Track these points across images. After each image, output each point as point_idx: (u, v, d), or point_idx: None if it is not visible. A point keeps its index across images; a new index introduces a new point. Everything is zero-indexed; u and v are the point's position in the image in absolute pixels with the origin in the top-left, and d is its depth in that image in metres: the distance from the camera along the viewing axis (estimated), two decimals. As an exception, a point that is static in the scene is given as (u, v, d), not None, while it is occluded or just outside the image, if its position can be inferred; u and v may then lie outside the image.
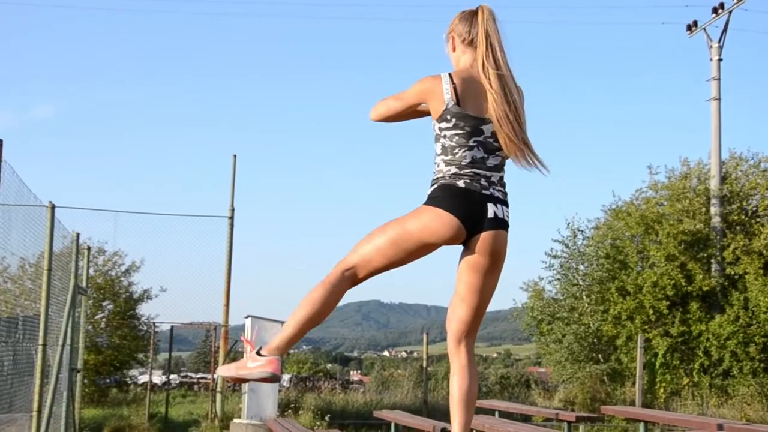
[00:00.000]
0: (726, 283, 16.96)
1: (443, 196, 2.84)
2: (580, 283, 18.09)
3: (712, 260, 17.32)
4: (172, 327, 13.54)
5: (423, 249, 2.86)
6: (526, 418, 11.07)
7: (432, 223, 2.82)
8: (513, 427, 6.54)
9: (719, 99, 18.41)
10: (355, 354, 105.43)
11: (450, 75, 2.90)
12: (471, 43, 2.99)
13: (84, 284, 10.62)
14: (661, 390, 16.09)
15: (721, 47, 18.59)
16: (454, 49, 3.06)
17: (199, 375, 27.39)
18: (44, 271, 7.79)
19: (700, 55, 19.17)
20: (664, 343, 16.28)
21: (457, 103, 2.85)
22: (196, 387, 23.33)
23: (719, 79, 18.50)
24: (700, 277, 16.62)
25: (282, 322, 11.95)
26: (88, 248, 11.81)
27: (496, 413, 9.14)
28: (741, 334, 15.76)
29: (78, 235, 9.62)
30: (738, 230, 17.38)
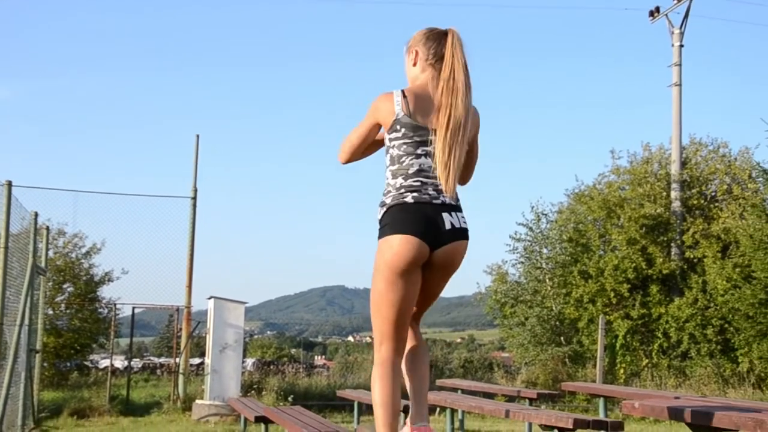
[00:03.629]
0: (685, 267, 17.25)
1: (394, 219, 2.84)
2: (544, 266, 18.25)
3: (672, 244, 17.60)
4: (133, 308, 13.39)
5: (405, 283, 2.86)
6: (488, 397, 11.16)
7: (394, 249, 2.82)
8: (475, 401, 6.59)
9: (680, 85, 18.65)
10: (320, 339, 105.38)
11: (402, 91, 2.95)
12: (432, 64, 3.01)
13: (43, 264, 10.45)
14: (621, 371, 16.34)
15: (682, 33, 18.81)
16: (414, 64, 3.07)
17: (162, 359, 27.10)
18: (0, 248, 7.65)
19: (662, 40, 19.43)
20: (625, 326, 16.52)
21: (408, 114, 2.90)
22: (158, 371, 23.10)
23: (680, 65, 18.74)
24: (660, 260, 16.89)
25: (245, 303, 11.92)
26: (47, 228, 11.61)
27: (459, 391, 9.19)
28: (699, 317, 16.04)
29: (36, 214, 9.46)
30: (697, 214, 17.68)
